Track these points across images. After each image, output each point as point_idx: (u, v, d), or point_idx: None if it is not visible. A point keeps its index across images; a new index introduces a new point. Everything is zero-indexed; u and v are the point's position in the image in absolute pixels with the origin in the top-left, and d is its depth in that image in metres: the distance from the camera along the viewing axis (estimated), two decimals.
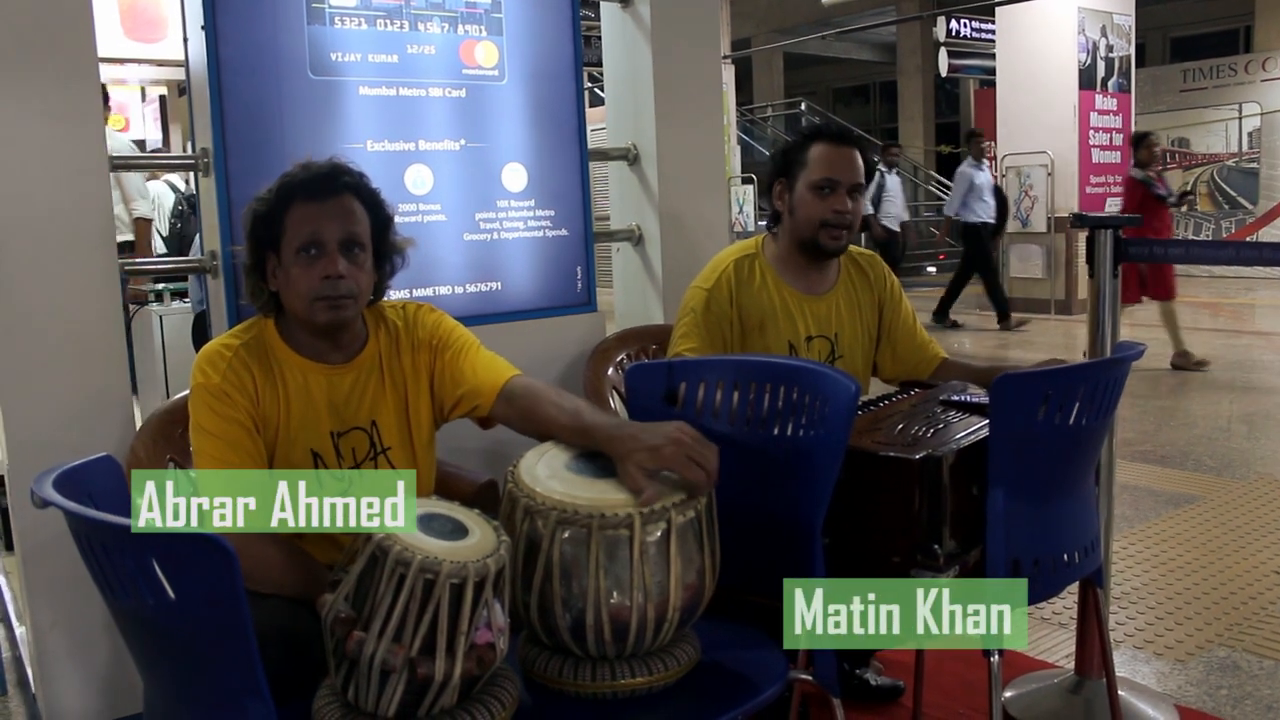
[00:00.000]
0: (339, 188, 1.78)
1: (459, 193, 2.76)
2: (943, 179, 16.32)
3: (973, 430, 1.96)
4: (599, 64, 3.34)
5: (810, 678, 1.82)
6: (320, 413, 1.84)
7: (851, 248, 2.55)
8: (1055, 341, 8.85)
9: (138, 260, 4.40)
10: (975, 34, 12.93)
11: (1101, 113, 10.33)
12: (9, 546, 2.64)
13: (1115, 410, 2.12)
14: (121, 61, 6.06)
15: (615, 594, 1.48)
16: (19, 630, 3.00)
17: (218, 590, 1.20)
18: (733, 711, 1.57)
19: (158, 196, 6.12)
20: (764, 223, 2.50)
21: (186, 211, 5.76)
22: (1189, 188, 11.01)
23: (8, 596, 3.31)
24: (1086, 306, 2.60)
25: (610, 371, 2.75)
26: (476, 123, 2.77)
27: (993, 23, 11.40)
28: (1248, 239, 11.56)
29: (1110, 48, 10.36)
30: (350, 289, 1.77)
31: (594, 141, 3.06)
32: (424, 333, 1.94)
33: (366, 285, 1.82)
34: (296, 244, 1.75)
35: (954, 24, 12.91)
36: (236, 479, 1.72)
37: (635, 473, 1.55)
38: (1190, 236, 13.49)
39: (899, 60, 18.87)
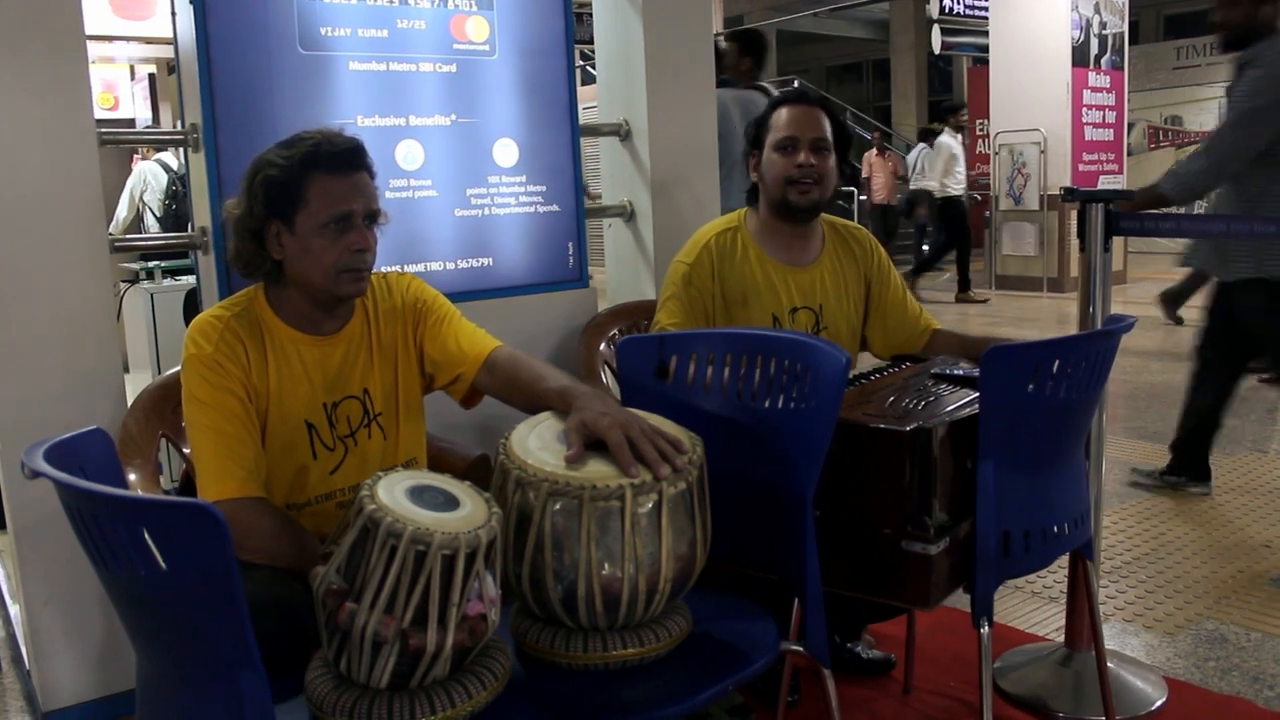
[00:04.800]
0: (360, 164, 1.80)
1: (450, 168, 2.75)
2: None
3: (964, 403, 1.97)
4: (590, 42, 3.33)
5: (802, 649, 1.83)
6: (314, 385, 1.85)
7: (837, 220, 2.56)
8: (1048, 319, 8.87)
9: (129, 237, 4.38)
10: (968, 11, 12.87)
11: (1095, 90, 10.31)
12: (1, 525, 2.64)
13: (1105, 383, 2.12)
14: (110, 39, 6.01)
15: (607, 565, 1.48)
16: (12, 608, 3.00)
17: (209, 560, 1.20)
18: (724, 682, 1.58)
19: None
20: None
21: (180, 191, 5.73)
22: None
23: (1, 575, 3.32)
24: (1079, 283, 2.60)
25: (603, 347, 2.76)
26: (467, 98, 2.76)
27: None
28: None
29: (1104, 25, 10.33)
30: (371, 261, 1.83)
31: (585, 119, 3.05)
32: (406, 300, 1.97)
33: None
34: (324, 217, 1.75)
35: (947, 1, 12.86)
36: (230, 448, 1.73)
37: (570, 433, 1.59)
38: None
39: (892, 38, 18.81)
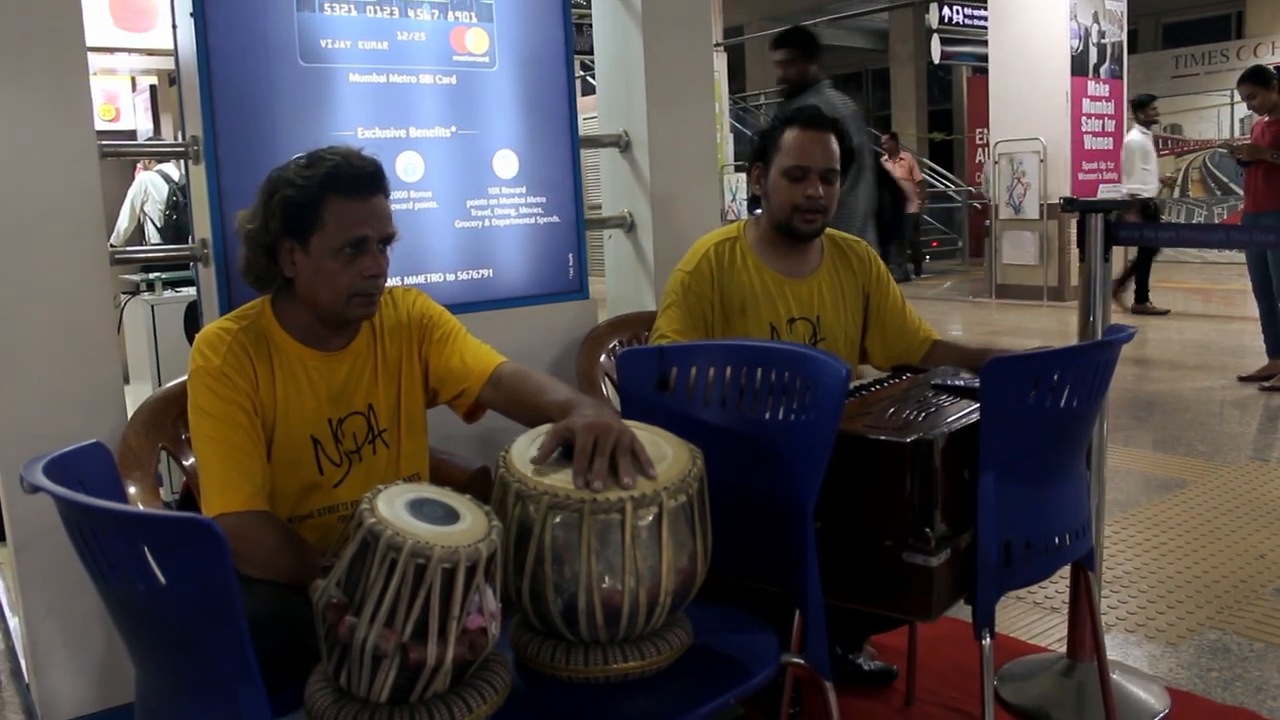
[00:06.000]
0: (378, 187, 1.80)
1: (450, 180, 2.76)
2: (936, 166, 16.31)
3: (964, 414, 1.96)
4: (590, 52, 3.34)
5: (803, 661, 1.82)
6: (320, 400, 1.85)
7: (835, 232, 2.57)
8: (1048, 328, 8.87)
9: (129, 249, 4.39)
10: (967, 20, 12.92)
11: (1094, 99, 10.33)
12: (1, 537, 2.63)
13: (1106, 394, 2.12)
14: (111, 51, 6.01)
15: (607, 578, 1.48)
16: (12, 621, 3.00)
17: (209, 575, 1.20)
18: (725, 695, 1.58)
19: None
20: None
21: (181, 202, 5.73)
22: None
23: (0, 587, 3.31)
24: (1078, 293, 2.60)
25: (602, 358, 2.76)
26: (467, 110, 2.76)
27: (985, 9, 11.38)
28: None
29: (1102, 34, 10.35)
30: (382, 285, 1.84)
31: (585, 131, 3.06)
32: (411, 315, 1.97)
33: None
34: (339, 241, 1.75)
35: (946, 10, 12.89)
36: (236, 460, 1.73)
37: (548, 436, 1.59)
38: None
39: (891, 47, 18.84)
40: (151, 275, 4.49)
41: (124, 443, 2.14)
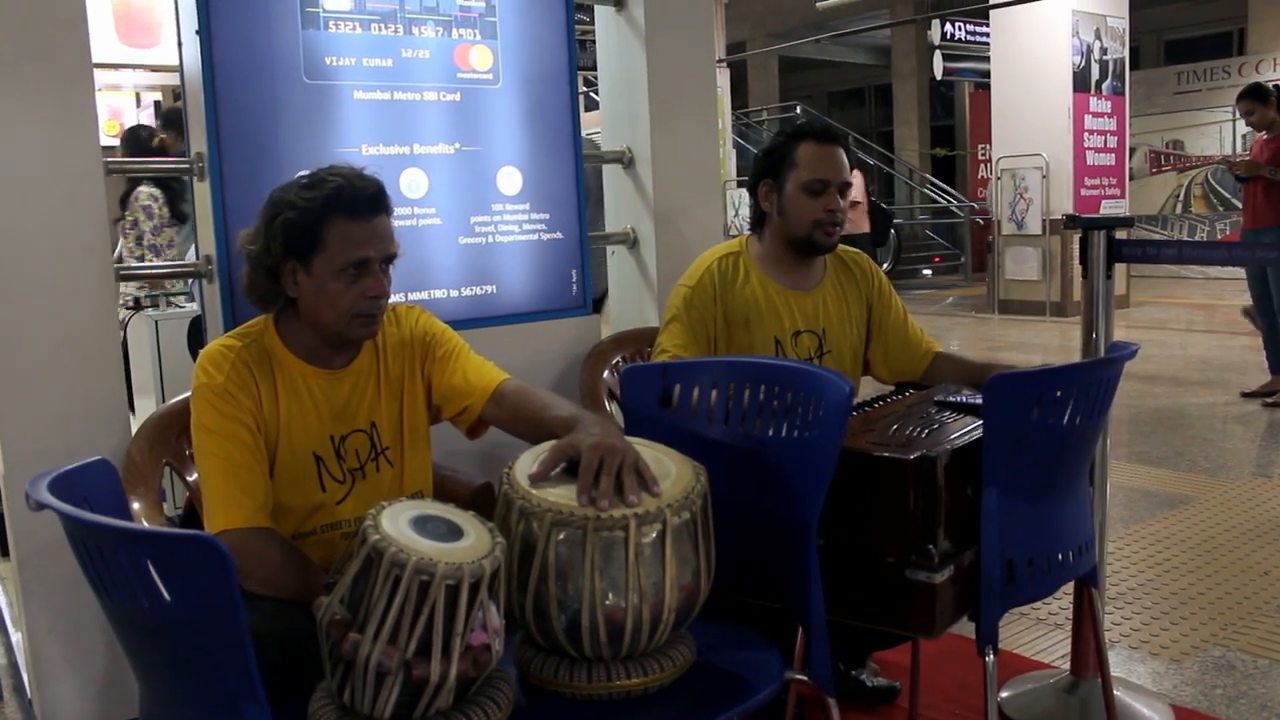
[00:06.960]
0: (380, 207, 1.80)
1: (454, 196, 2.76)
2: (938, 182, 16.34)
3: (967, 431, 1.96)
4: (594, 68, 3.35)
5: (806, 678, 1.82)
6: (323, 418, 1.85)
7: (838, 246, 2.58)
8: (1051, 344, 8.87)
9: (132, 265, 4.40)
10: (970, 37, 12.96)
11: (1096, 115, 10.36)
12: (4, 553, 2.64)
13: (1109, 410, 2.12)
14: (116, 67, 6.04)
15: (610, 595, 1.48)
16: (14, 636, 2.99)
17: (213, 592, 1.20)
18: (728, 712, 1.58)
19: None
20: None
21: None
22: None
23: (3, 602, 3.31)
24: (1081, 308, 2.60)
25: (606, 374, 2.76)
26: (471, 126, 2.77)
27: (987, 26, 11.43)
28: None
29: (1104, 50, 10.38)
30: (385, 305, 1.84)
31: (589, 146, 3.06)
32: (415, 333, 1.97)
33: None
34: (342, 262, 1.76)
35: (948, 27, 12.93)
36: (239, 477, 1.73)
37: (550, 452, 1.59)
38: (1184, 238, 13.56)
39: (894, 63, 18.90)
40: (156, 292, 4.49)
41: (128, 458, 2.15)
